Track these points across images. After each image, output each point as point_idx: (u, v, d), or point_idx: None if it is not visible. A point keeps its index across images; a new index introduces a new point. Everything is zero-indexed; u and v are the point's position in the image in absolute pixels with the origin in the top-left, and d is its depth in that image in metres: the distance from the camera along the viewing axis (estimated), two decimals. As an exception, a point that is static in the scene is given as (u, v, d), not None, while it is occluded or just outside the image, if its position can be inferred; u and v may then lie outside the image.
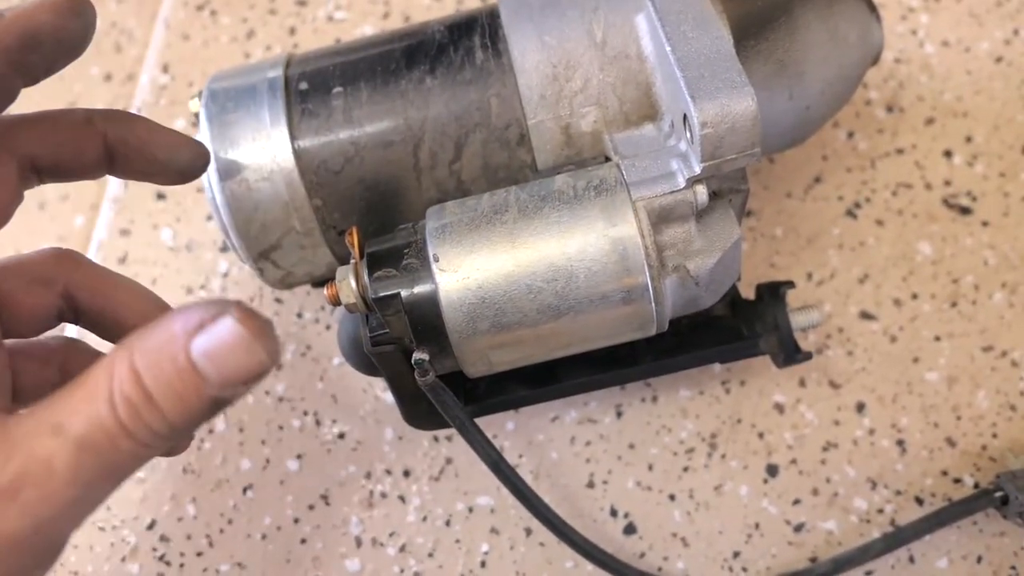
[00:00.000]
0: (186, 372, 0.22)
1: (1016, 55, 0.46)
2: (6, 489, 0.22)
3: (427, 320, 0.31)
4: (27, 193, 0.51)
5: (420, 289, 0.31)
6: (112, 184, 0.49)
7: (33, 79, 0.28)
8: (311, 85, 0.35)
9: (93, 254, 0.48)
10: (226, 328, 0.22)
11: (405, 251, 0.32)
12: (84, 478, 0.22)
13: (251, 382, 0.22)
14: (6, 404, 0.26)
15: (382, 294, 0.31)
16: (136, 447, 0.22)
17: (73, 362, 0.32)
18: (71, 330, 0.43)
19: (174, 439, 0.23)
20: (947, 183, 0.44)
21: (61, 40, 0.28)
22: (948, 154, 0.45)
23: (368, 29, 0.49)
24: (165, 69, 0.50)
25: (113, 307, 0.31)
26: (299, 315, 0.45)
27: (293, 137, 0.34)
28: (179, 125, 0.49)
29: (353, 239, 0.33)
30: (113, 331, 0.32)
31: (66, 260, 0.31)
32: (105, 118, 0.31)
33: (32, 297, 0.30)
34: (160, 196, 0.48)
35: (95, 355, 0.32)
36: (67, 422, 0.22)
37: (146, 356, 0.22)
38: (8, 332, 0.29)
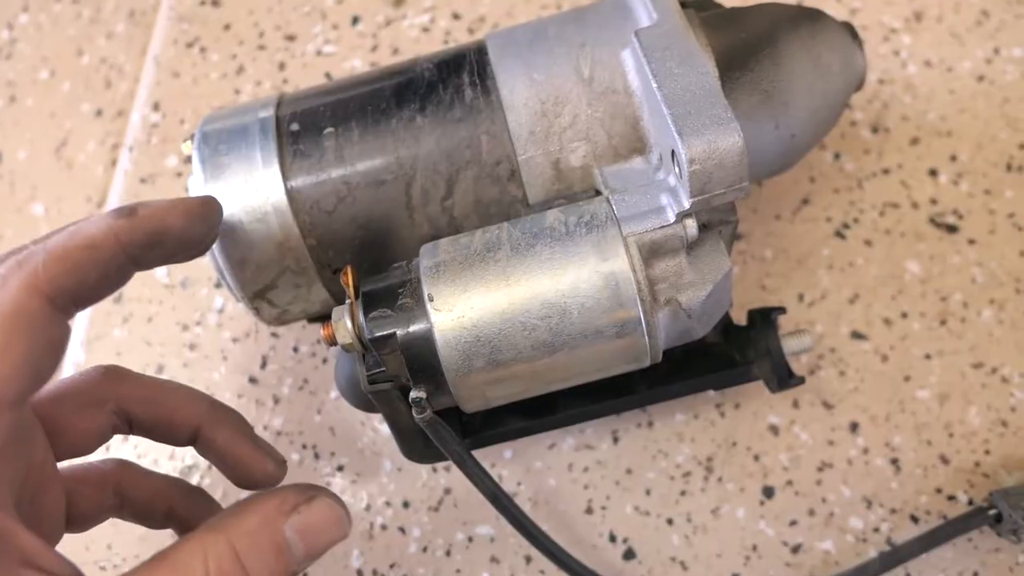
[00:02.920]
0: (282, 550, 0.25)
1: (997, 74, 0.47)
2: None
3: (423, 359, 0.31)
4: (18, 228, 0.52)
5: (415, 329, 0.31)
6: (105, 222, 0.49)
7: (147, 268, 0.30)
8: (302, 126, 0.36)
9: (88, 292, 0.48)
10: (323, 508, 0.26)
11: (400, 290, 0.32)
12: None
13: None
14: (60, 532, 0.26)
15: (378, 334, 0.31)
16: None
17: (128, 483, 0.33)
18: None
19: None
20: (933, 202, 0.45)
21: (185, 242, 0.30)
22: (933, 173, 0.46)
23: (357, 63, 0.50)
24: (156, 107, 0.51)
25: (166, 414, 0.32)
26: (295, 349, 0.45)
27: (286, 178, 0.35)
28: (171, 164, 0.49)
29: (348, 279, 0.33)
30: (168, 435, 0.33)
31: (113, 377, 0.32)
32: (213, 422, 0.32)
33: (86, 420, 0.31)
34: (154, 233, 0.48)
35: (148, 475, 0.34)
36: None
37: (245, 537, 0.25)
38: (64, 454, 0.30)
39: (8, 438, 0.25)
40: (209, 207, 0.31)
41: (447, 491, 0.42)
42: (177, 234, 0.29)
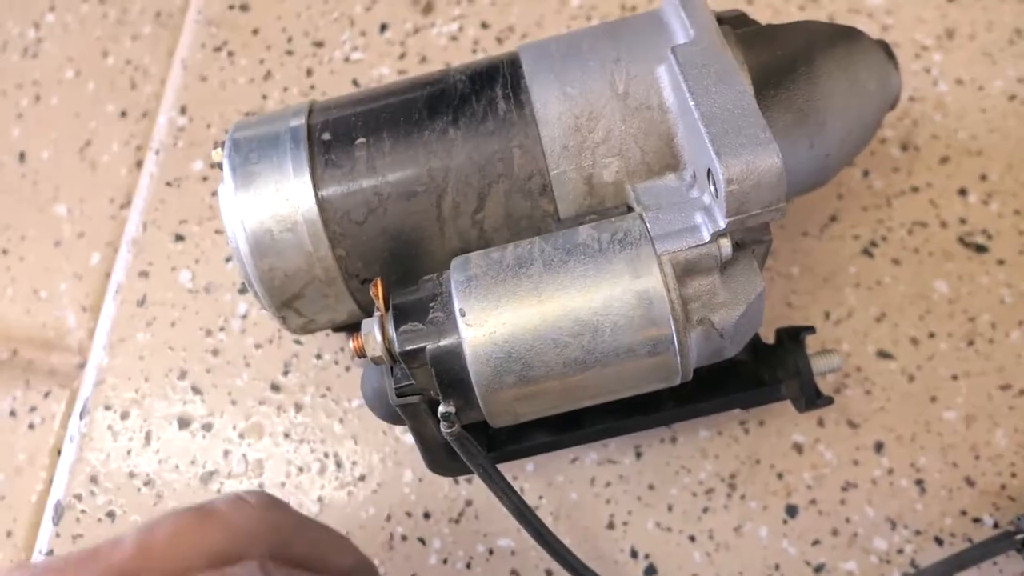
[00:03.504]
0: None
1: (1029, 93, 0.46)
2: None
3: (453, 374, 0.31)
4: (42, 227, 0.51)
5: (446, 343, 0.31)
6: (130, 226, 0.49)
7: None
8: (334, 135, 0.36)
9: (112, 296, 0.48)
10: None
11: (431, 304, 0.32)
12: None
13: None
14: None
15: (408, 348, 0.31)
16: None
17: None
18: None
19: None
20: (962, 221, 0.45)
21: None
22: (963, 192, 0.45)
23: (385, 70, 0.50)
24: (183, 111, 0.51)
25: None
26: (318, 356, 0.45)
27: (316, 188, 0.35)
28: (197, 168, 0.49)
29: (378, 291, 0.33)
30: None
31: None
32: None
33: None
34: (179, 238, 0.48)
35: None
36: None
37: None
38: None
39: None
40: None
41: (468, 503, 0.42)
42: None
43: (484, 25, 0.50)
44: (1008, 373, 0.42)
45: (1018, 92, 0.46)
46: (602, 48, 0.35)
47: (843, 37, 0.36)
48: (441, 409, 0.32)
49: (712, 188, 0.31)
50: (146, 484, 0.44)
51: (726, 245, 0.31)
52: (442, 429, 0.32)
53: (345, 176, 0.35)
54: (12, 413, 0.48)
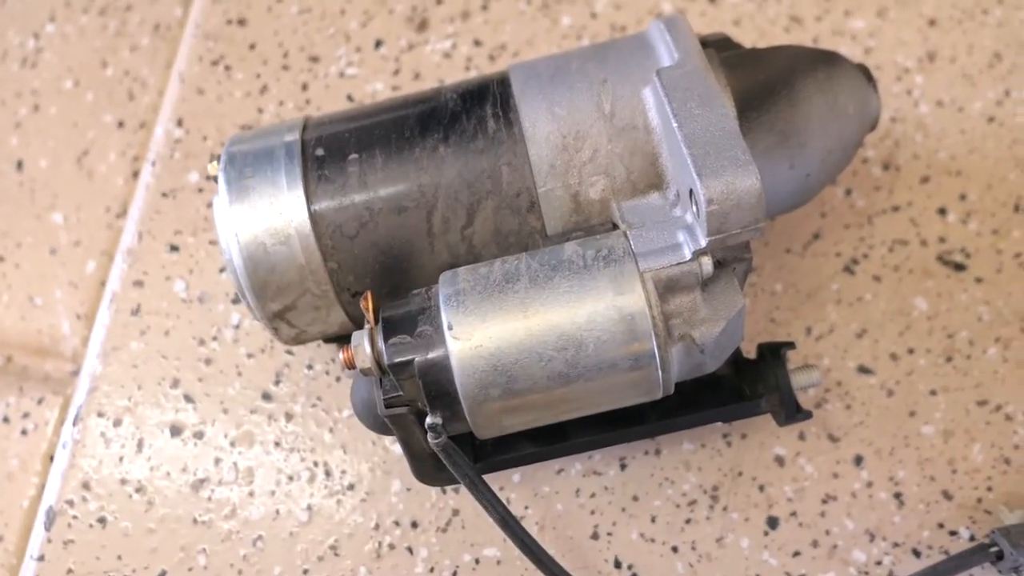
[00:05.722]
0: None
1: (1008, 115, 0.47)
2: None
3: (440, 386, 0.32)
4: (38, 235, 0.51)
5: (434, 356, 0.32)
6: (126, 236, 0.50)
7: None
8: (327, 151, 0.36)
9: (106, 305, 0.49)
10: None
11: (419, 317, 0.33)
12: None
13: None
14: None
15: (397, 360, 0.32)
16: None
17: None
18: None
19: None
20: (942, 240, 0.46)
21: None
22: (943, 211, 0.46)
23: (379, 86, 0.51)
24: (180, 123, 0.52)
25: None
26: (309, 367, 0.46)
27: (310, 202, 0.35)
28: (193, 179, 0.50)
29: (368, 304, 0.34)
30: None
31: None
32: None
33: None
34: (173, 248, 0.49)
35: None
36: None
37: None
38: None
39: None
40: None
41: (455, 512, 0.43)
42: None
43: (477, 43, 0.51)
44: (985, 389, 0.43)
45: (997, 114, 0.48)
46: (590, 69, 0.36)
47: (823, 61, 0.37)
48: (428, 420, 0.33)
49: (694, 207, 0.32)
50: (138, 491, 0.45)
51: (707, 263, 0.32)
52: (429, 440, 0.33)
53: (338, 191, 0.36)
54: (5, 419, 0.49)
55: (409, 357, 0.32)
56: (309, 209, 0.35)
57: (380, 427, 0.36)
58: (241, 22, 0.54)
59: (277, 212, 0.36)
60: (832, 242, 0.46)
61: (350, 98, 0.51)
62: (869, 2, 0.50)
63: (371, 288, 0.36)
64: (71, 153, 0.54)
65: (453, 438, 0.33)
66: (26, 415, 0.49)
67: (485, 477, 0.35)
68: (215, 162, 0.37)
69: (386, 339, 0.32)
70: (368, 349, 0.33)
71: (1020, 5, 0.49)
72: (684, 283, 0.32)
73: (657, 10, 0.51)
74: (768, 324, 0.45)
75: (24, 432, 0.49)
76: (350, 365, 0.33)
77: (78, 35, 0.57)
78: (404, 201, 0.35)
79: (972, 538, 0.41)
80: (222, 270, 0.48)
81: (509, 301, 0.32)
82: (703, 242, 0.31)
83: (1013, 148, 0.47)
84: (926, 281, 0.45)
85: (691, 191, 0.31)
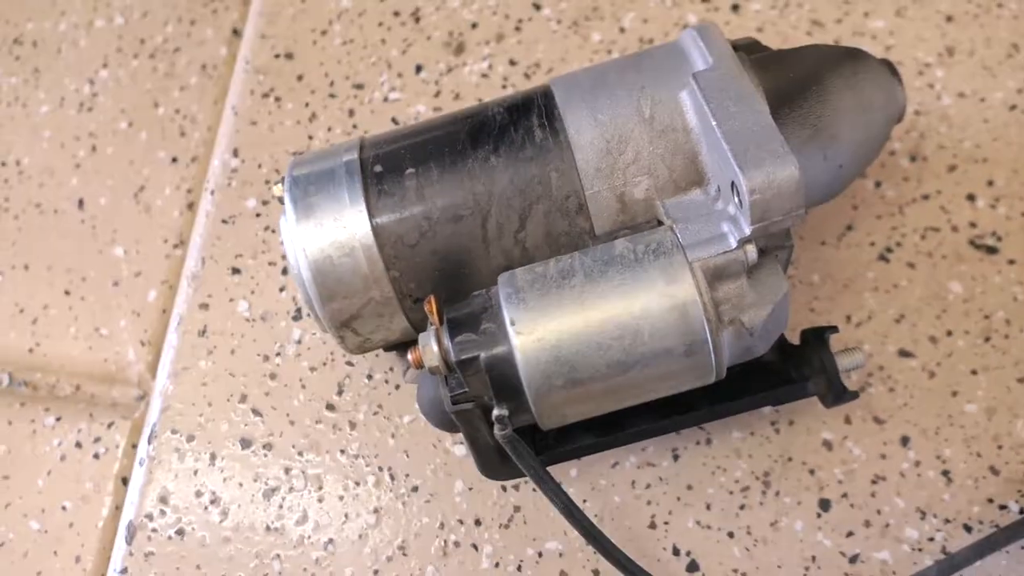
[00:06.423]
0: None
1: (1029, 102, 0.49)
2: None
3: (506, 379, 0.34)
4: (101, 269, 0.53)
5: (499, 351, 0.34)
6: (189, 262, 0.52)
7: None
8: (385, 167, 0.39)
9: (174, 329, 0.51)
10: None
11: (482, 316, 0.35)
12: None
13: None
14: None
15: (464, 357, 0.34)
16: None
17: None
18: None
19: None
20: (972, 225, 0.47)
21: None
22: (971, 198, 0.48)
23: (421, 108, 0.53)
24: (235, 153, 0.54)
25: None
26: (369, 376, 0.48)
27: (371, 215, 0.38)
28: (250, 205, 0.53)
29: (432, 307, 0.36)
30: None
31: None
32: None
33: None
34: (235, 271, 0.51)
35: None
36: None
37: None
38: None
39: None
40: None
41: (517, 508, 0.45)
42: None
43: (512, 62, 0.54)
44: (1024, 366, 0.44)
45: (1018, 102, 0.49)
46: (628, 78, 0.38)
47: (849, 57, 0.39)
48: (495, 412, 0.34)
49: (736, 199, 0.33)
50: (212, 502, 0.47)
51: (752, 251, 0.33)
52: (496, 432, 0.35)
53: (397, 204, 0.38)
54: (78, 444, 0.52)
55: (475, 353, 0.34)
56: (371, 222, 0.38)
57: (447, 424, 0.38)
58: (288, 56, 0.57)
59: (341, 227, 0.38)
60: (865, 232, 0.48)
61: (395, 121, 0.53)
62: (887, 2, 0.52)
63: (432, 292, 0.38)
64: (128, 189, 0.57)
65: (516, 432, 0.35)
66: (97, 439, 0.51)
67: (547, 471, 0.37)
68: (279, 184, 0.40)
69: (452, 338, 0.35)
70: (435, 348, 0.35)
71: (1034, -3, 0.51)
72: (731, 271, 0.34)
73: (683, 23, 0.53)
74: (808, 314, 0.46)
75: (96, 456, 0.51)
76: (418, 364, 0.35)
77: (130, 79, 0.61)
78: (460, 210, 0.38)
79: (1021, 511, 0.42)
80: (282, 289, 0.50)
81: (566, 296, 0.34)
82: (747, 231, 0.33)
83: (1036, 134, 0.49)
84: (959, 265, 0.47)
85: (733, 184, 0.33)
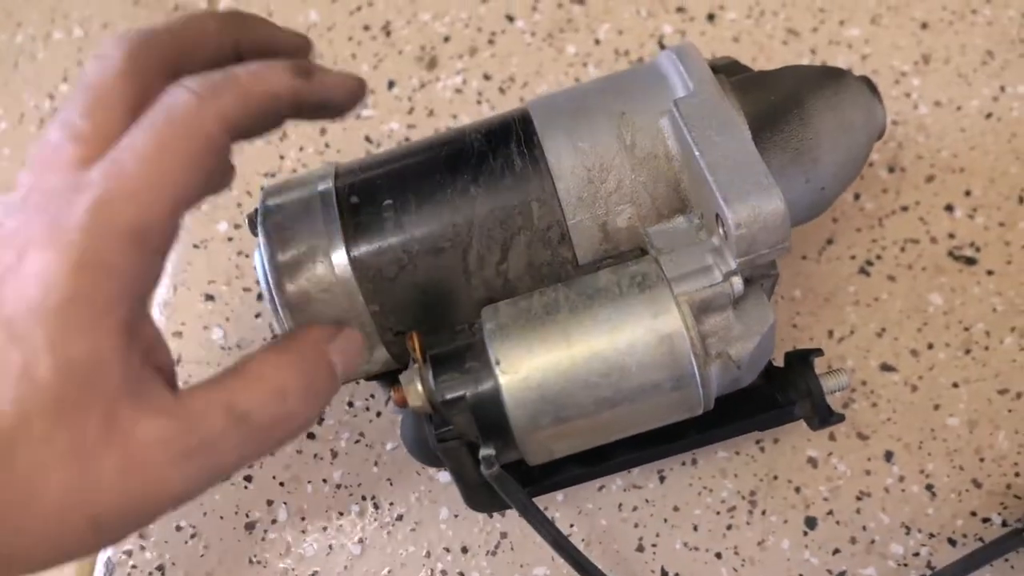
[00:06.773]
0: (332, 370, 0.31)
1: (1004, 111, 0.49)
2: (187, 453, 0.26)
3: (492, 418, 0.33)
4: None
5: (484, 390, 0.33)
6: (161, 289, 0.51)
7: (295, 119, 0.31)
8: (361, 198, 0.38)
9: (147, 356, 0.50)
10: (352, 334, 0.32)
11: (466, 353, 0.34)
12: (245, 453, 0.28)
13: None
14: (175, 383, 0.29)
15: (448, 396, 0.33)
16: (287, 431, 0.29)
17: None
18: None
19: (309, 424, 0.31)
20: (951, 236, 0.47)
21: (335, 111, 0.32)
22: (949, 208, 0.48)
23: (395, 125, 0.52)
24: (204, 175, 0.53)
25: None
26: (350, 404, 0.47)
27: (349, 249, 0.37)
28: (222, 229, 0.51)
29: (415, 343, 0.35)
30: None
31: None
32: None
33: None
34: (209, 297, 0.50)
35: None
36: (238, 402, 0.28)
37: (303, 360, 0.30)
38: None
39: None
40: (363, 88, 0.32)
41: (503, 535, 0.44)
42: (336, 106, 0.31)
43: (486, 76, 0.53)
44: (1005, 378, 0.45)
45: (994, 110, 0.49)
46: (608, 102, 0.37)
47: (830, 78, 0.39)
48: (482, 452, 0.34)
49: (721, 231, 0.33)
50: (193, 536, 0.46)
51: (738, 283, 0.33)
52: (483, 471, 0.34)
53: (375, 236, 0.37)
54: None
55: (460, 393, 0.33)
56: (349, 256, 0.37)
57: (431, 459, 0.37)
58: (255, 73, 0.55)
59: (318, 261, 0.37)
60: (846, 246, 0.48)
61: (368, 139, 0.52)
62: (862, 10, 0.52)
63: (412, 326, 0.37)
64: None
65: (502, 465, 0.35)
66: (71, 469, 0.50)
67: (534, 500, 0.37)
68: (252, 215, 0.39)
69: (435, 376, 0.34)
70: (419, 387, 0.34)
71: (1008, 3, 0.51)
72: (717, 303, 0.33)
73: (658, 33, 0.53)
74: (791, 330, 0.46)
75: (71, 486, 0.50)
76: (402, 404, 0.35)
77: (93, 94, 0.59)
78: (440, 242, 0.37)
79: (1004, 524, 0.42)
80: (258, 316, 0.49)
81: (552, 332, 0.33)
82: (733, 264, 0.32)
83: (1012, 142, 0.49)
84: (939, 277, 0.47)
85: (717, 216, 0.33)
